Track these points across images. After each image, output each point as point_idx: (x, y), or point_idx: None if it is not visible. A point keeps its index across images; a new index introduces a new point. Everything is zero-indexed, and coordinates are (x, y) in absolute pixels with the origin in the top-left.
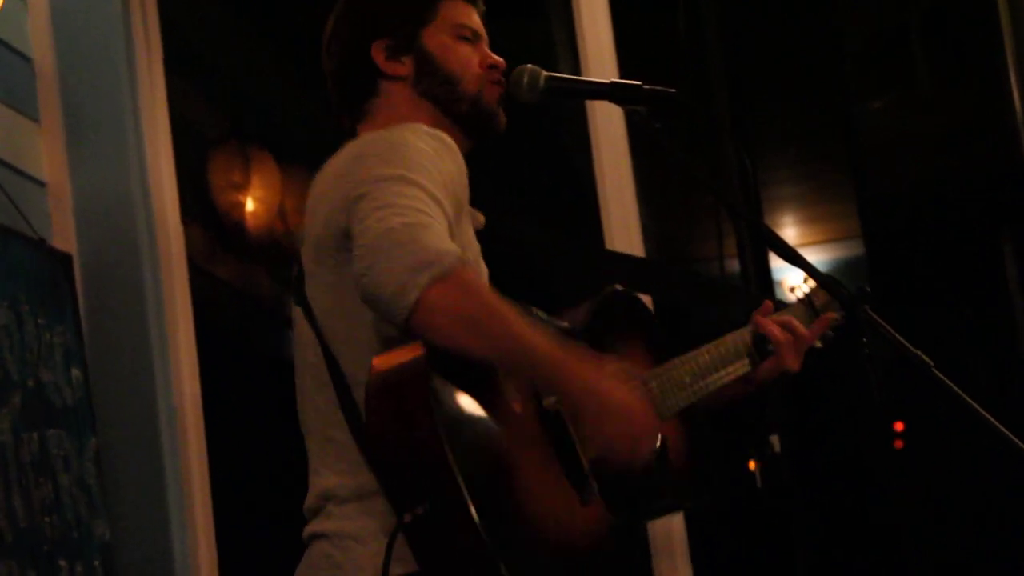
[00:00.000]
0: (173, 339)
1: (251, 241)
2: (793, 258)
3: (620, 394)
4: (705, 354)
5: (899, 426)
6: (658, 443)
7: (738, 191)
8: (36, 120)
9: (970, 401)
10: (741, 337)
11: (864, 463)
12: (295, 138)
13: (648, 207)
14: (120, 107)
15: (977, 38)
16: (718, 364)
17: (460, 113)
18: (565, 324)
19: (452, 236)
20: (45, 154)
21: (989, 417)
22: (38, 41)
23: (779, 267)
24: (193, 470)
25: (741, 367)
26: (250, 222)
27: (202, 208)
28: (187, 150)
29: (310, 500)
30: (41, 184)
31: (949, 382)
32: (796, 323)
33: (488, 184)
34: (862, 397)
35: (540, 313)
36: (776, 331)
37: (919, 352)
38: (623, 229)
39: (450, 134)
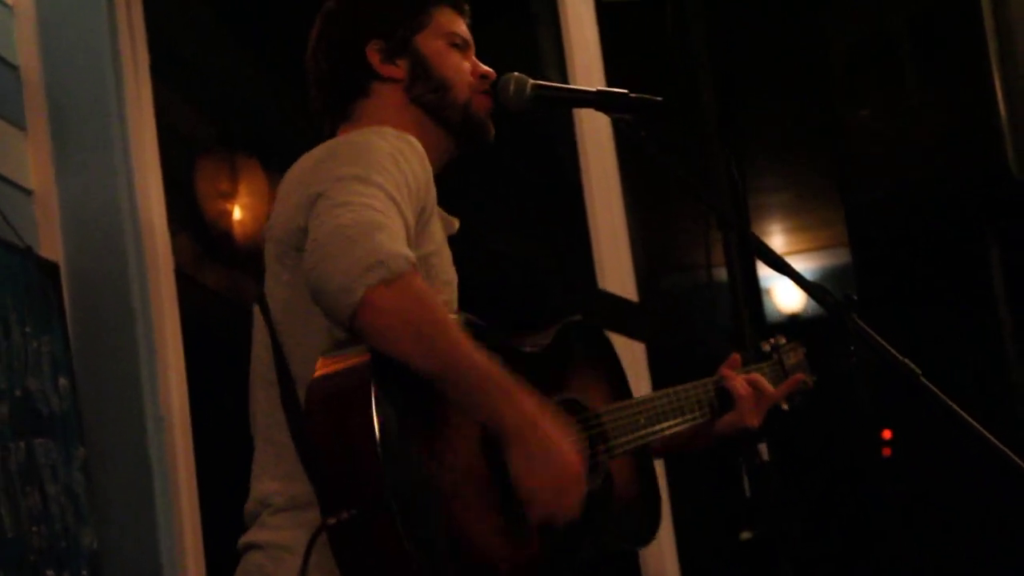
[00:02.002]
0: (161, 347)
1: (238, 249)
2: (780, 266)
3: (555, 438)
4: (664, 399)
5: (887, 434)
6: (598, 481)
7: (726, 199)
8: (22, 128)
9: (957, 408)
10: (704, 387)
11: (852, 471)
12: (283, 146)
13: (635, 214)
14: (107, 115)
15: (963, 45)
16: (676, 411)
17: (449, 120)
18: (525, 347)
19: (409, 240)
20: (32, 162)
21: (975, 424)
22: (24, 49)
23: (767, 275)
24: (181, 479)
25: (699, 417)
26: (237, 230)
27: (189, 216)
28: (174, 158)
29: (249, 504)
30: (28, 192)
31: (936, 390)
32: (763, 382)
33: (475, 192)
34: (850, 405)
35: (498, 332)
36: (739, 386)
37: (906, 360)
38: (610, 236)
39: (437, 139)
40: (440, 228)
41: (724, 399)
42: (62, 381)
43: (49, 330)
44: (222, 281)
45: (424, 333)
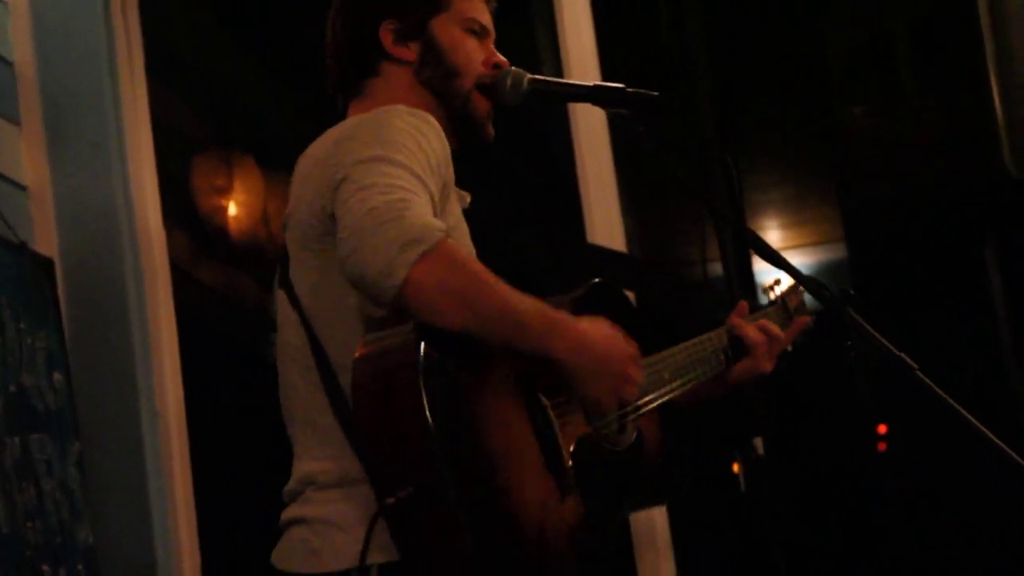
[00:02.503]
0: (156, 343)
1: (234, 245)
2: (777, 261)
3: (605, 343)
4: (682, 352)
5: (882, 428)
6: (631, 439)
7: (722, 194)
8: (17, 123)
9: (953, 403)
10: (718, 337)
11: (848, 465)
12: (278, 143)
13: (631, 210)
14: (102, 111)
15: (960, 48)
16: (695, 363)
17: (452, 107)
18: None
19: (436, 213)
20: (26, 158)
21: (972, 419)
22: (19, 44)
23: (762, 270)
24: (176, 474)
25: (716, 366)
26: (233, 226)
27: (185, 212)
28: (170, 154)
29: (290, 485)
30: (22, 188)
31: (932, 385)
32: (772, 326)
33: (471, 187)
34: (846, 399)
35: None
36: (752, 333)
37: (903, 355)
38: (606, 232)
39: (443, 123)
40: (457, 204)
41: (737, 347)
42: (57, 377)
43: (44, 326)
44: (217, 277)
45: (470, 296)
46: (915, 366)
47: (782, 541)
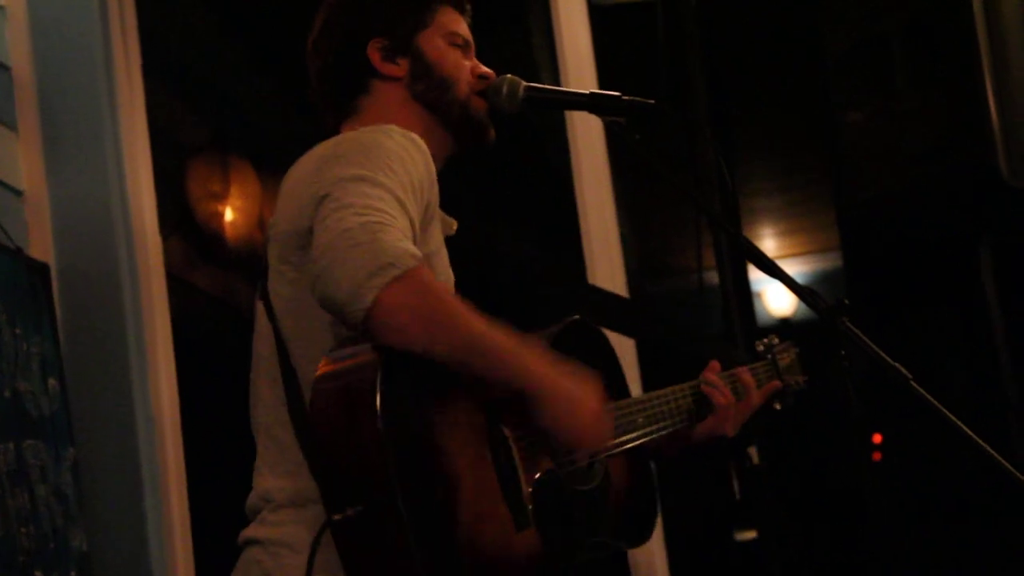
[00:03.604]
0: (151, 349)
1: (230, 251)
2: (772, 270)
3: (574, 387)
4: (657, 400)
5: (877, 438)
6: (597, 480)
7: (717, 202)
8: (14, 129)
9: (947, 413)
10: (683, 392)
11: (842, 475)
12: (274, 147)
13: (627, 218)
14: (98, 116)
15: (955, 50)
16: (666, 413)
17: (449, 117)
18: None
19: (415, 238)
20: (23, 163)
21: (966, 429)
22: (16, 49)
23: (758, 279)
24: (171, 480)
25: (680, 421)
26: (229, 231)
27: (181, 218)
28: (166, 159)
29: (251, 499)
30: (18, 193)
31: (927, 394)
32: (750, 384)
33: (467, 195)
34: (841, 409)
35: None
36: (718, 396)
37: (897, 364)
38: (602, 239)
39: (439, 138)
40: (439, 229)
41: (701, 406)
42: (52, 382)
43: (39, 331)
44: (213, 283)
45: (440, 322)
46: (909, 376)
47: (777, 550)
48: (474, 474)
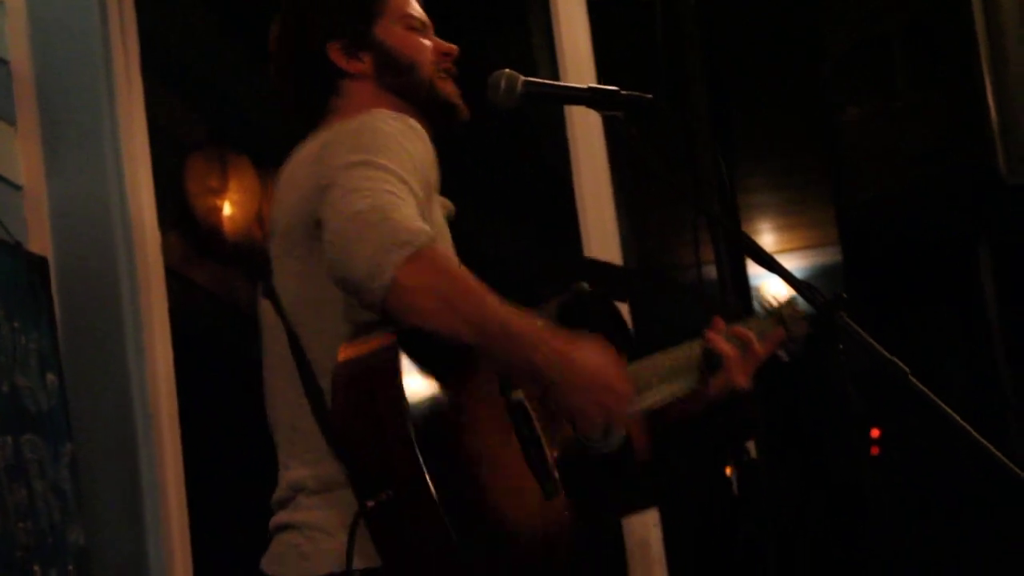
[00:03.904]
0: (149, 344)
1: (228, 246)
2: (770, 265)
3: (590, 361)
4: (666, 360)
5: (875, 432)
6: (622, 437)
7: (715, 198)
8: (12, 123)
9: (945, 408)
10: (692, 350)
11: (841, 469)
12: (273, 143)
13: (626, 213)
14: (97, 111)
15: (955, 49)
16: (676, 373)
17: (420, 99)
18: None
19: (423, 216)
20: (21, 158)
21: (964, 424)
22: (15, 44)
23: (756, 274)
24: (169, 476)
25: (693, 380)
26: (227, 227)
27: (179, 213)
28: (164, 155)
29: (279, 492)
30: (17, 188)
31: (925, 389)
32: (749, 335)
33: (465, 192)
34: (839, 403)
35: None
36: (724, 346)
37: (895, 359)
38: (600, 235)
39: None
40: (439, 211)
41: (709, 361)
42: (50, 377)
43: (37, 326)
44: (212, 278)
45: (456, 301)
46: (907, 370)
47: (776, 545)
48: (498, 447)
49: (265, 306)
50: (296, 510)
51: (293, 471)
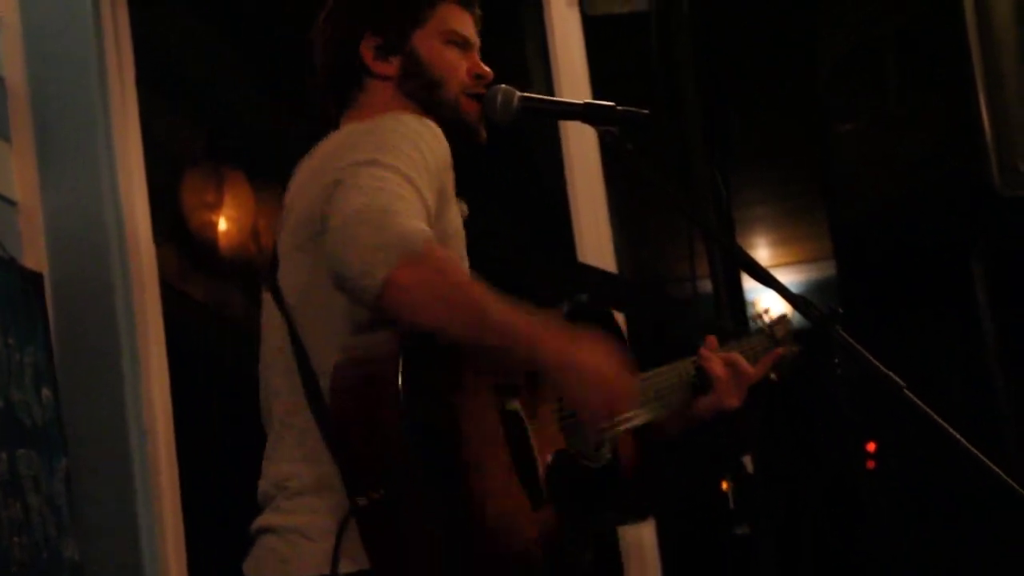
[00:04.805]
0: (145, 359)
1: (224, 261)
2: (765, 279)
3: (593, 357)
4: (659, 378)
5: (871, 446)
6: (608, 455)
7: (710, 212)
8: (7, 139)
9: (941, 422)
10: (685, 368)
11: (837, 483)
12: (269, 158)
13: (620, 227)
14: (92, 126)
15: (948, 60)
16: (669, 391)
17: (442, 116)
18: None
19: (429, 218)
20: (16, 173)
21: (959, 438)
22: (10, 60)
23: (751, 288)
24: (164, 490)
25: (684, 399)
26: (223, 242)
27: (175, 228)
28: (160, 170)
29: (263, 486)
30: (12, 203)
31: (920, 403)
32: (739, 359)
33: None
34: (835, 417)
35: None
36: (716, 367)
37: (890, 373)
38: (595, 249)
39: None
40: (457, 213)
41: (701, 380)
42: (45, 392)
43: (32, 341)
44: (207, 293)
45: (454, 301)
46: (903, 384)
47: (772, 558)
48: (490, 455)
49: (267, 299)
50: (276, 512)
51: (277, 465)
